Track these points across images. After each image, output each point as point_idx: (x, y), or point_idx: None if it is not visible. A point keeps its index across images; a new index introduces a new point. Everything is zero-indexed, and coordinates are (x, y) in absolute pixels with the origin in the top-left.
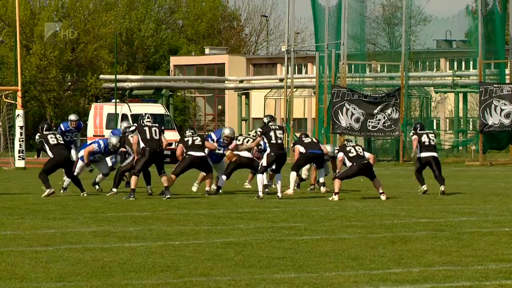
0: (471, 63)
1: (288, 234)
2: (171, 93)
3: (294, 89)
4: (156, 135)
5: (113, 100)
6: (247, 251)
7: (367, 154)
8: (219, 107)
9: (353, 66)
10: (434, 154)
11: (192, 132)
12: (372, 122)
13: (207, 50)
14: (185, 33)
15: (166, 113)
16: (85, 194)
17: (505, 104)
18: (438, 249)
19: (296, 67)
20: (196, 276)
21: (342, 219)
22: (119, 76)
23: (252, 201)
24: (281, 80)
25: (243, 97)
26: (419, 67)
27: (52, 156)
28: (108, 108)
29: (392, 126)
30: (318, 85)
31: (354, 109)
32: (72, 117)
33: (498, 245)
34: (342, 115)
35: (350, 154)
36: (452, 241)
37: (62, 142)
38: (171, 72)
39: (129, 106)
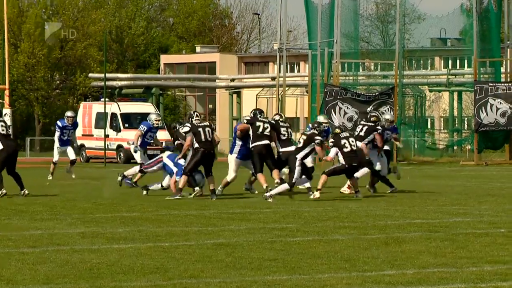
0: (466, 61)
1: (280, 235)
2: (161, 92)
3: (286, 88)
4: (209, 136)
5: (102, 99)
6: (238, 252)
7: (359, 144)
8: (210, 106)
9: (346, 64)
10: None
11: (263, 116)
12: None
13: (198, 48)
14: (175, 31)
15: (156, 112)
16: (26, 192)
17: (500, 102)
18: (432, 250)
19: (289, 65)
20: (186, 278)
21: (335, 220)
22: (108, 75)
23: (243, 202)
24: (273, 78)
25: (235, 96)
26: (413, 66)
27: (1, 147)
28: (97, 107)
29: None
30: (311, 83)
31: (347, 108)
32: (69, 113)
33: (493, 246)
34: (335, 114)
35: (345, 150)
36: (446, 243)
37: (11, 133)
38: (161, 71)
39: (118, 105)
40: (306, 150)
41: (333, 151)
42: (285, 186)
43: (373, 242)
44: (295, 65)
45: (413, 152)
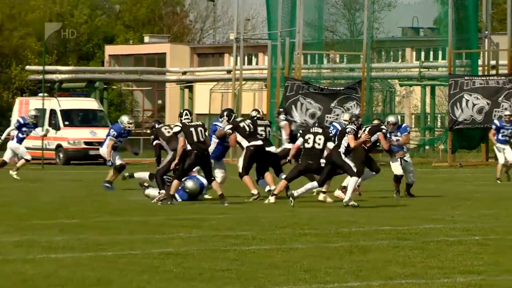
0: (440, 53)
1: (234, 244)
2: (105, 86)
3: (243, 82)
4: (202, 136)
5: (40, 94)
6: (188, 262)
7: (330, 145)
8: (159, 101)
9: (309, 56)
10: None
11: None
12: (329, 117)
13: (146, 38)
14: (122, 19)
15: (100, 108)
16: None
17: (477, 98)
18: (401, 260)
19: (246, 57)
20: None
21: (294, 226)
22: (47, 67)
23: (194, 207)
24: (229, 71)
25: (186, 90)
26: (382, 58)
27: None
28: (34, 102)
29: None
30: (270, 77)
31: (310, 103)
32: (33, 112)
33: (467, 255)
34: (296, 110)
35: (306, 145)
36: (416, 251)
37: None
38: (106, 63)
39: (58, 101)
40: (345, 144)
41: (298, 142)
42: (355, 179)
43: (336, 250)
44: (253, 57)
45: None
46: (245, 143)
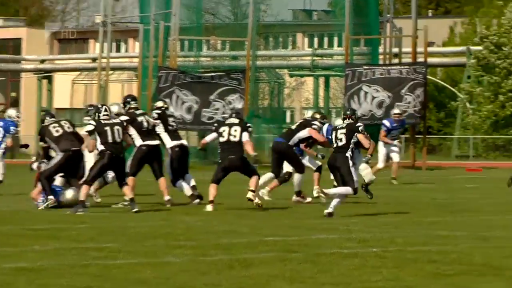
0: (336, 39)
1: (96, 257)
2: None
3: (110, 72)
4: (119, 136)
5: None
6: (43, 279)
7: (245, 137)
8: (13, 94)
9: (186, 42)
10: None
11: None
12: (208, 112)
13: None
14: None
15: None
16: None
17: (377, 90)
18: (288, 274)
19: (114, 43)
20: None
21: (167, 237)
22: None
23: (51, 216)
24: (94, 60)
25: (45, 81)
26: (270, 44)
27: None
28: None
29: None
30: (142, 66)
31: (186, 95)
32: None
33: (363, 269)
34: (171, 104)
35: (221, 139)
36: (306, 265)
37: None
38: None
39: None
40: (352, 145)
41: (210, 136)
42: (348, 190)
43: (214, 265)
44: (122, 43)
45: (267, 152)
46: (138, 142)
